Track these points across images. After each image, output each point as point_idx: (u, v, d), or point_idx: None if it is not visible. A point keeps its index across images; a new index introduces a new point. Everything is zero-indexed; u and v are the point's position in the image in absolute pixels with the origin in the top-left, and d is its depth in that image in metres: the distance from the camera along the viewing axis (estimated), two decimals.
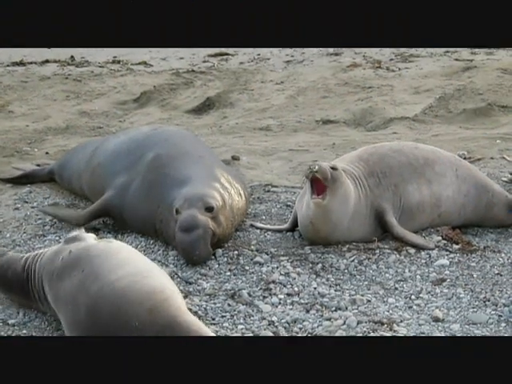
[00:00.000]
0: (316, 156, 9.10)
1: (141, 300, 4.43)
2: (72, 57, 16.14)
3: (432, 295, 5.48)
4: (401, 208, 6.43)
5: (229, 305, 5.35)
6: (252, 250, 6.18)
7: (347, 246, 6.20)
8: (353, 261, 5.98)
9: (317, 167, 5.93)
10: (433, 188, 6.55)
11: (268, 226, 6.73)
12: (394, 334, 4.88)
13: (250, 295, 5.44)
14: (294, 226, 6.60)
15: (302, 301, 5.39)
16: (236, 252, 6.13)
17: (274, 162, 9.17)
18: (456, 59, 14.82)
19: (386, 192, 6.39)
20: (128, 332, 4.32)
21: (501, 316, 5.14)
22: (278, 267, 5.87)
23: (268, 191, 7.71)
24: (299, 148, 9.57)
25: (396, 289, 5.59)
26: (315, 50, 16.36)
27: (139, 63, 15.66)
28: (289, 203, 7.33)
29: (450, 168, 6.69)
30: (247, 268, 5.89)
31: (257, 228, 6.66)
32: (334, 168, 6.08)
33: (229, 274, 5.81)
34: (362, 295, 5.46)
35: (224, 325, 5.11)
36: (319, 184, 6.00)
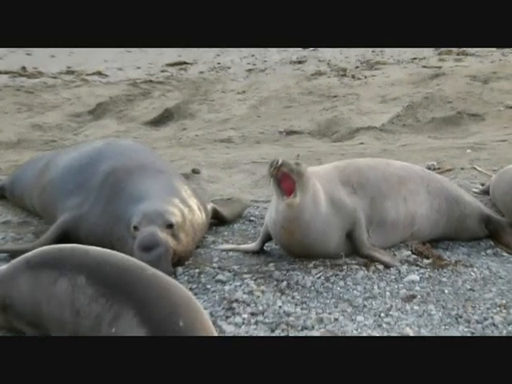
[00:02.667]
0: None
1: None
2: (24, 68, 15.99)
3: (402, 312, 5.33)
4: (374, 224, 6.26)
5: None
6: (214, 268, 6.02)
7: (313, 262, 6.04)
8: (319, 277, 5.82)
9: (280, 161, 5.66)
10: (408, 206, 6.44)
11: (236, 247, 6.52)
12: None
13: (212, 315, 5.25)
14: (264, 244, 6.40)
15: (267, 320, 5.22)
16: (197, 270, 5.99)
17: (236, 175, 9.09)
18: (424, 66, 14.93)
19: (359, 203, 6.19)
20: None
21: (474, 333, 5.02)
22: (241, 285, 5.72)
23: None
24: (262, 160, 9.49)
25: (365, 306, 5.43)
26: (277, 57, 16.46)
27: (94, 73, 15.61)
28: (252, 218, 7.23)
29: (422, 185, 6.59)
30: (209, 286, 5.73)
31: (224, 251, 6.45)
32: (297, 163, 5.83)
33: None
34: (330, 313, 5.30)
35: None
36: (286, 182, 5.73)
